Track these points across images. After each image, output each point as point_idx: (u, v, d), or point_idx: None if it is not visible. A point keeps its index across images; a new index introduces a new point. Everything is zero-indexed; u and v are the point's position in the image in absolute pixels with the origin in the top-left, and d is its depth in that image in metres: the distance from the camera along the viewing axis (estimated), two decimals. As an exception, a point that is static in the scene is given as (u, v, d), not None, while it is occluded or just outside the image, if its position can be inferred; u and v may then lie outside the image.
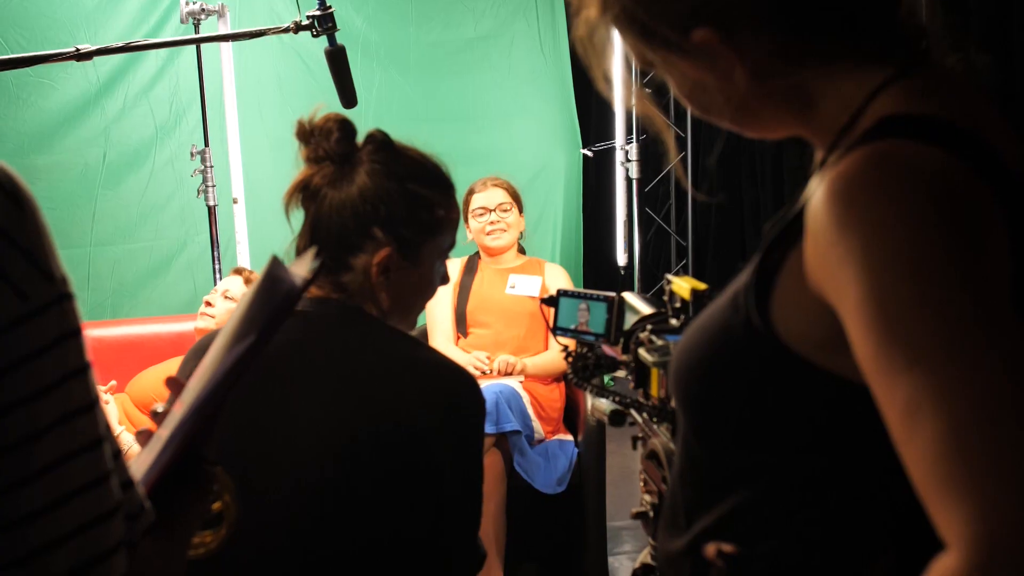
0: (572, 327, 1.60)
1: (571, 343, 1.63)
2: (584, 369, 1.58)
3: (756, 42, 0.83)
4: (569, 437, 3.17)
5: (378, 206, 1.43)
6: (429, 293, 1.54)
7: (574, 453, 3.08)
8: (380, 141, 1.47)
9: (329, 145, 1.43)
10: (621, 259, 4.64)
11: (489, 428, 2.88)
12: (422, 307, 1.56)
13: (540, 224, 4.82)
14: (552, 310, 1.64)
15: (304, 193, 1.46)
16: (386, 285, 1.46)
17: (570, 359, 1.60)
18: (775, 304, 0.83)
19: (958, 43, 0.89)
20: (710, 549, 0.92)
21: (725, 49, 0.84)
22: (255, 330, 0.83)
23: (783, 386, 0.85)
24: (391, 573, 1.39)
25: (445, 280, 1.57)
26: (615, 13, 0.88)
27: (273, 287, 0.86)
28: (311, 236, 1.46)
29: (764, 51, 0.84)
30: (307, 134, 1.44)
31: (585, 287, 5.22)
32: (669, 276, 1.54)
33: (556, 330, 1.63)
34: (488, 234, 3.38)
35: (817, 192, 0.76)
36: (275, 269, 0.87)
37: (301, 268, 0.90)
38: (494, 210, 3.37)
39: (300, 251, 1.47)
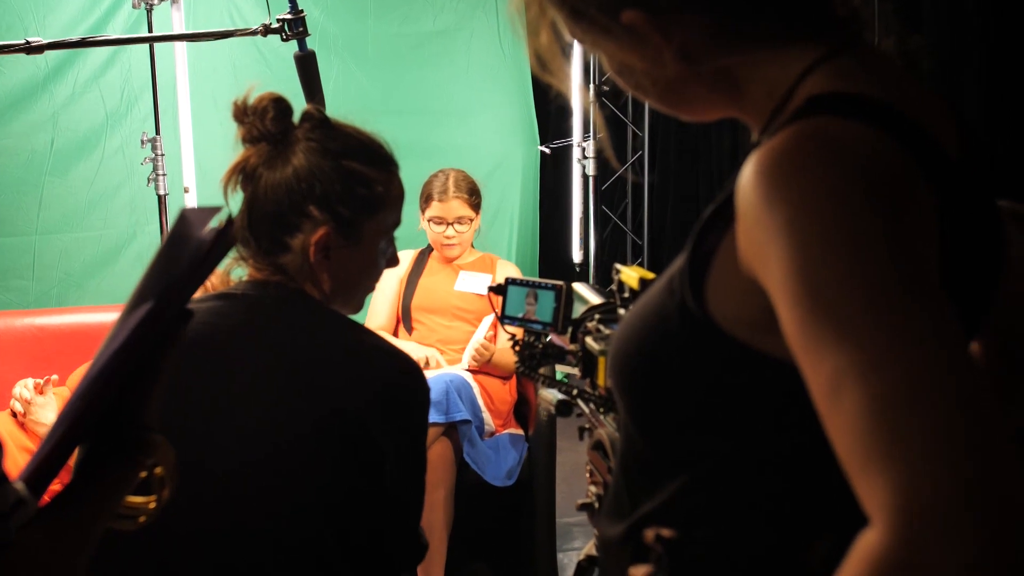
0: (520, 316, 1.59)
1: (519, 332, 1.61)
2: (531, 358, 1.57)
3: (685, 25, 0.83)
4: (520, 431, 3.16)
5: (313, 184, 1.40)
6: (374, 274, 1.51)
7: (524, 447, 3.06)
8: (317, 119, 1.44)
9: (264, 125, 1.40)
10: (576, 256, 4.64)
11: (439, 417, 2.85)
12: (368, 289, 1.53)
13: (497, 219, 4.80)
14: (500, 299, 1.63)
15: (242, 175, 1.43)
16: (327, 266, 1.43)
17: (517, 348, 1.58)
18: (710, 286, 0.82)
19: (893, 26, 0.89)
20: (649, 534, 0.91)
21: (653, 31, 0.83)
22: (153, 295, 0.80)
23: (718, 369, 0.84)
24: (331, 560, 1.36)
25: (393, 262, 1.53)
26: None
27: (178, 246, 0.81)
28: (248, 218, 1.43)
29: (693, 34, 0.83)
30: (242, 114, 1.42)
31: (541, 284, 5.20)
32: (618, 266, 1.53)
33: (504, 319, 1.61)
34: (444, 245, 3.32)
35: (745, 170, 0.76)
36: (182, 227, 0.82)
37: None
38: (452, 223, 3.28)
39: (237, 234, 1.44)
